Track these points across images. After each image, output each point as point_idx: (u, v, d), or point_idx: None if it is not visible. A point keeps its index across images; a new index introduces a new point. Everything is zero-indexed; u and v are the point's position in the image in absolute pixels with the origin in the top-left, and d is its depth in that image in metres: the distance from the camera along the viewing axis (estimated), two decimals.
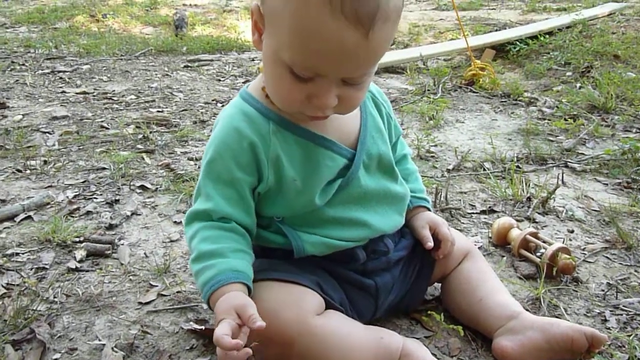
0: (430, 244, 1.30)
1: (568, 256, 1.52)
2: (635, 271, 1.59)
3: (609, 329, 1.34)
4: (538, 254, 1.60)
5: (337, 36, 0.89)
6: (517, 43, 5.08)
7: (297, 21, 0.91)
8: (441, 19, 6.71)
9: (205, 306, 1.39)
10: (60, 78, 4.02)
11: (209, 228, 1.11)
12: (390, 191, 1.26)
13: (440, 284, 1.43)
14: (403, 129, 2.85)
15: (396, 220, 1.29)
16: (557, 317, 1.37)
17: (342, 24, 0.88)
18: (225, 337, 0.92)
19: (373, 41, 0.91)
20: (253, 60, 5.05)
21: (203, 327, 1.28)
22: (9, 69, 4.22)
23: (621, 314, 1.39)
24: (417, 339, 1.26)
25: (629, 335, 1.29)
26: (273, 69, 1.02)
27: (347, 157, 1.18)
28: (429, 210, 1.41)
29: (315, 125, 1.14)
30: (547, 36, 5.12)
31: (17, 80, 3.83)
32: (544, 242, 1.62)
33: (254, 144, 1.10)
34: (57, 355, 1.21)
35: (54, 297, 1.41)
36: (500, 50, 5.12)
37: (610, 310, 1.41)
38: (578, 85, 3.88)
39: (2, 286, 1.45)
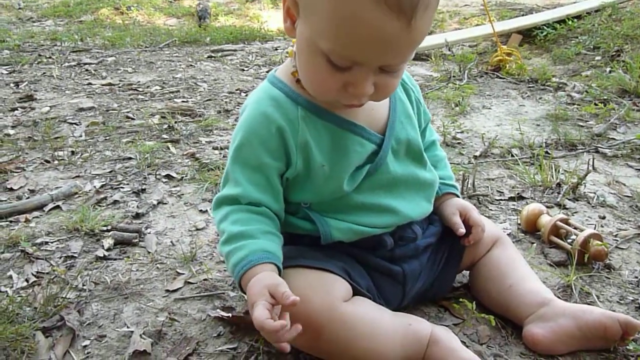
0: (463, 230, 1.28)
1: (600, 242, 1.48)
2: None
3: None
4: (569, 240, 1.57)
5: (379, 25, 0.87)
6: (545, 28, 4.99)
7: (337, 9, 0.89)
8: (466, 5, 6.62)
9: (232, 294, 1.39)
10: (86, 70, 4.05)
11: (238, 211, 1.10)
12: (419, 177, 1.24)
13: (468, 272, 1.41)
14: None
15: (424, 207, 1.27)
16: (589, 304, 1.34)
17: (384, 13, 0.86)
18: (268, 321, 0.92)
19: (414, 30, 0.89)
20: (276, 49, 5.04)
21: (230, 315, 1.28)
22: (36, 62, 4.27)
23: None
24: (446, 326, 1.24)
25: None
26: (309, 58, 1.00)
27: (376, 142, 1.16)
28: (457, 197, 1.38)
29: (344, 111, 1.13)
30: (575, 20, 5.02)
31: (44, 73, 3.88)
32: (575, 228, 1.59)
33: (282, 128, 1.09)
34: (87, 342, 1.22)
35: (83, 285, 1.42)
36: (527, 35, 5.02)
37: None
38: (608, 69, 3.79)
39: (32, 274, 1.47)
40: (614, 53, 4.16)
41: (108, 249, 1.59)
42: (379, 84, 1.00)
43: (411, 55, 1.00)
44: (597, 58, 4.22)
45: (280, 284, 0.99)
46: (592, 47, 4.45)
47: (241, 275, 1.05)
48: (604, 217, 1.79)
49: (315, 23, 0.94)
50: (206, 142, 2.52)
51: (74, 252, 1.58)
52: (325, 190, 1.13)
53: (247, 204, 1.10)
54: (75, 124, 2.76)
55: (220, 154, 2.36)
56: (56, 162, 2.25)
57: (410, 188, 1.23)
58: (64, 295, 1.35)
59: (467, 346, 1.17)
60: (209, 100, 3.26)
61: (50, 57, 4.47)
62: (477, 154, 2.33)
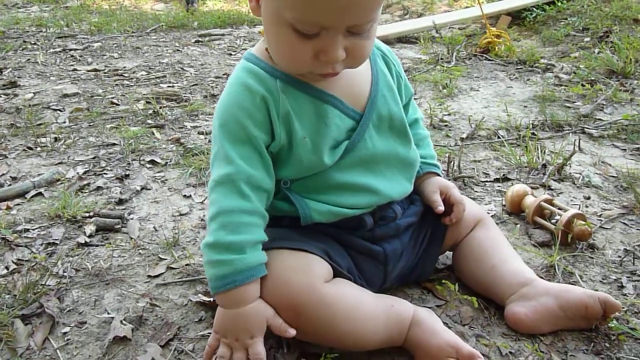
0: (441, 207, 1.28)
1: (584, 222, 1.48)
2: None
3: (625, 295, 1.31)
4: (553, 220, 1.57)
5: None
6: (534, 9, 4.97)
7: None
8: None
9: None
10: (72, 56, 4.01)
11: (231, 213, 1.05)
12: (400, 155, 1.22)
13: (452, 253, 1.41)
14: (415, 99, 2.81)
15: (405, 186, 1.25)
16: (572, 284, 1.34)
17: None
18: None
19: None
20: (261, 33, 4.99)
21: (211, 299, 1.27)
22: (20, 49, 4.21)
23: (638, 280, 1.36)
24: (429, 307, 1.23)
25: None
26: (276, 31, 0.99)
27: (355, 118, 1.15)
28: (439, 176, 1.37)
29: (324, 84, 1.11)
30: (564, 2, 5.00)
31: (28, 59, 3.83)
32: (559, 208, 1.58)
33: (266, 98, 1.07)
34: (67, 329, 1.21)
35: (64, 272, 1.41)
36: (517, 17, 5.00)
37: (627, 277, 1.38)
38: (596, 50, 3.78)
39: (13, 262, 1.45)
40: (602, 34, 4.15)
41: (90, 236, 1.58)
42: (350, 47, 0.98)
43: (378, 13, 0.98)
44: (586, 39, 4.20)
45: (275, 315, 1.04)
46: (581, 28, 4.44)
47: (220, 292, 1.04)
48: (588, 198, 1.79)
49: None
50: (191, 127, 2.49)
51: (55, 239, 1.56)
52: (306, 165, 1.11)
53: (244, 183, 1.06)
54: (59, 110, 2.73)
55: (205, 138, 2.34)
56: (39, 148, 2.23)
57: (391, 166, 1.21)
58: (44, 282, 1.34)
59: (449, 327, 1.17)
60: (195, 85, 3.23)
61: (35, 44, 4.41)
62: (464, 136, 2.32)
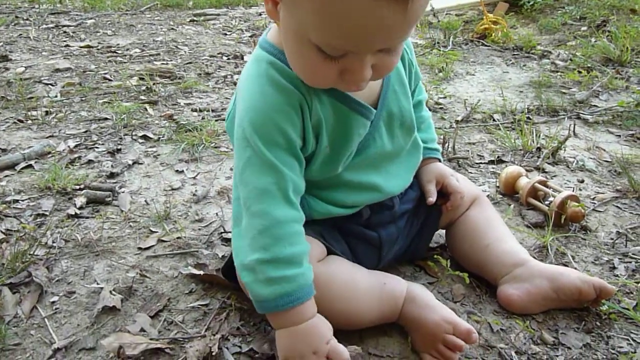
0: (432, 199, 1.26)
1: (577, 204, 1.48)
2: None
3: (617, 276, 1.31)
4: (546, 202, 1.56)
5: (374, 14, 0.77)
6: None
7: (326, 2, 0.78)
8: None
9: (205, 252, 1.37)
10: (64, 32, 3.95)
11: (282, 224, 0.97)
12: (406, 152, 1.19)
13: (444, 231, 1.40)
14: None
15: (406, 179, 1.23)
16: (564, 264, 1.34)
17: (380, 1, 0.76)
18: None
19: (411, 12, 0.79)
20: (260, 14, 4.95)
21: (202, 272, 1.26)
22: (12, 24, 4.15)
23: (630, 262, 1.36)
24: (421, 284, 1.23)
25: (638, 282, 1.27)
26: (297, 48, 0.89)
27: (370, 118, 1.08)
28: (439, 160, 1.35)
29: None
30: None
31: (20, 35, 3.77)
32: (553, 190, 1.58)
33: (302, 102, 0.98)
34: (55, 298, 1.20)
35: (53, 242, 1.39)
36: (514, 4, 4.97)
37: (619, 258, 1.38)
38: (593, 39, 3.77)
39: (1, 232, 1.43)
40: (599, 23, 4.14)
41: (80, 208, 1.56)
42: (377, 65, 0.89)
43: (408, 34, 0.87)
44: (583, 28, 4.19)
45: (332, 339, 0.98)
46: (578, 17, 4.42)
47: (283, 310, 0.96)
48: (582, 181, 1.78)
49: (301, 14, 0.84)
50: (185, 104, 2.47)
51: (45, 210, 1.54)
52: (319, 172, 1.07)
53: (292, 192, 0.99)
54: (50, 84, 2.69)
55: (199, 115, 2.31)
56: (29, 121, 2.20)
57: (395, 161, 1.18)
58: (32, 252, 1.32)
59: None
60: (190, 63, 3.19)
61: (27, 19, 4.35)
62: (459, 118, 2.31)
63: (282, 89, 0.97)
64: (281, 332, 0.98)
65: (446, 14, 4.91)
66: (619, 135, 2.19)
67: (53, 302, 1.19)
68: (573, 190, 1.67)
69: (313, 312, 0.98)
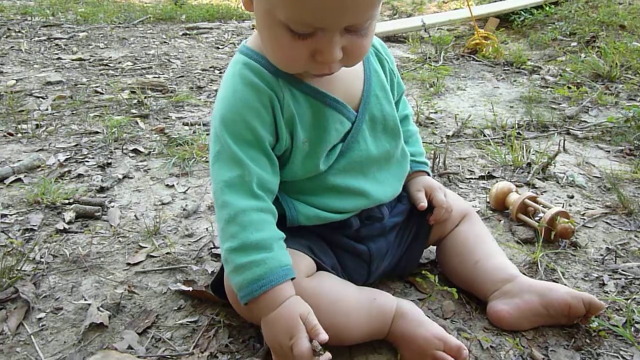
0: (424, 204, 1.26)
1: (567, 220, 1.48)
2: (635, 236, 1.56)
3: (606, 292, 1.31)
4: (536, 218, 1.57)
5: None
6: (522, 13, 5.00)
7: None
8: None
9: (194, 267, 1.36)
10: (56, 45, 3.96)
11: (249, 212, 0.99)
12: (393, 157, 1.20)
13: (435, 247, 1.40)
14: None
15: (395, 188, 1.24)
16: (554, 281, 1.34)
17: None
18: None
19: None
20: (253, 28, 4.97)
21: (191, 288, 1.25)
22: (4, 36, 4.15)
23: (619, 278, 1.36)
24: (411, 301, 1.22)
25: (627, 299, 1.27)
26: (269, 30, 0.94)
27: (351, 120, 1.11)
28: (427, 174, 1.36)
29: (320, 83, 1.06)
30: (552, 6, 5.03)
31: (12, 47, 3.77)
32: (543, 206, 1.58)
33: (272, 98, 1.02)
34: (42, 315, 1.18)
35: (41, 258, 1.38)
36: (505, 20, 5.03)
37: (609, 275, 1.38)
38: (583, 55, 3.80)
39: None
40: (589, 39, 4.19)
41: (69, 222, 1.55)
42: (348, 46, 0.93)
43: (376, 11, 0.92)
44: (573, 44, 4.23)
45: (310, 312, 0.95)
46: (568, 33, 4.47)
47: (257, 295, 0.96)
48: (572, 197, 1.79)
49: None
50: (176, 117, 2.47)
51: (34, 225, 1.53)
52: (302, 169, 1.08)
53: (256, 186, 1.01)
54: (41, 97, 2.68)
55: (190, 129, 2.31)
56: (20, 135, 2.19)
57: (383, 168, 1.19)
58: (19, 268, 1.31)
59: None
60: (182, 76, 3.20)
61: (19, 32, 4.35)
62: (450, 133, 2.32)
63: (252, 87, 1.01)
64: (263, 322, 0.98)
65: (438, 29, 4.96)
66: (609, 151, 2.20)
67: (40, 318, 1.17)
68: (563, 206, 1.67)
69: (289, 295, 0.97)
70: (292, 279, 0.99)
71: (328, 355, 0.92)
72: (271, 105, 1.02)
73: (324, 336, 0.92)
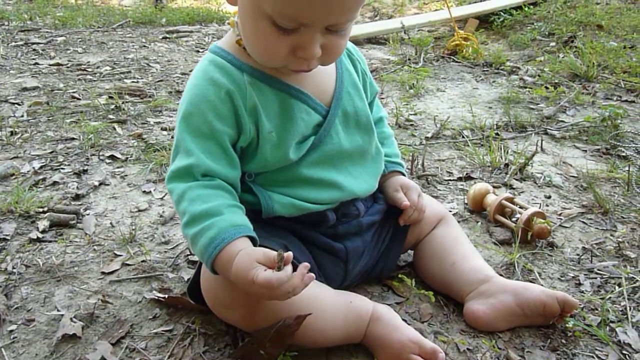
0: (406, 202, 1.26)
1: (543, 220, 1.49)
2: (611, 235, 1.57)
3: (582, 292, 1.32)
4: (514, 219, 1.57)
5: None
6: (501, 14, 5.03)
7: None
8: None
9: (170, 275, 1.34)
10: (34, 50, 3.91)
11: (195, 188, 1.03)
12: (366, 152, 1.22)
13: (412, 251, 1.40)
14: (382, 98, 2.81)
15: (370, 183, 1.25)
16: (531, 281, 1.35)
17: None
18: (275, 276, 0.89)
19: None
20: (227, 23, 4.95)
21: (166, 296, 1.24)
22: None
23: (595, 278, 1.37)
24: (388, 304, 1.22)
25: (602, 299, 1.27)
26: (254, 23, 0.97)
27: (321, 113, 1.14)
28: (403, 175, 1.37)
29: (291, 79, 1.10)
30: (531, 7, 5.08)
31: None
32: (520, 207, 1.59)
33: (232, 92, 1.05)
34: (14, 327, 1.16)
35: (13, 268, 1.35)
36: (485, 21, 5.06)
37: (585, 274, 1.39)
38: (561, 55, 3.84)
39: None
40: (567, 39, 4.23)
41: (43, 231, 1.53)
42: (326, 45, 0.98)
43: (357, 13, 0.98)
44: (551, 44, 4.27)
45: (266, 252, 0.94)
46: (547, 33, 4.51)
47: (215, 256, 0.98)
48: (549, 197, 1.80)
49: None
50: (154, 122, 2.45)
51: (6, 235, 1.50)
52: (272, 159, 1.10)
53: (202, 175, 1.04)
54: (17, 103, 2.65)
55: (168, 134, 2.29)
56: None
57: (357, 163, 1.21)
58: None
59: (408, 324, 1.16)
60: (161, 81, 3.18)
61: None
62: (429, 135, 2.33)
63: (211, 81, 1.05)
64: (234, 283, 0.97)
65: (418, 30, 4.97)
66: (585, 150, 2.22)
67: (11, 330, 1.15)
68: (540, 207, 1.68)
69: (242, 247, 0.97)
70: (251, 237, 1.01)
71: (289, 254, 0.92)
72: (230, 98, 1.05)
73: (289, 253, 0.92)
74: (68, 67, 3.43)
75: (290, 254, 0.92)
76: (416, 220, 1.30)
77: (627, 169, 1.93)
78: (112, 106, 2.61)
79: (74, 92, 2.86)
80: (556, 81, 3.14)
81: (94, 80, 3.14)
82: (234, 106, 1.06)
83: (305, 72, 1.05)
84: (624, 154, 2.16)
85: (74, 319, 1.18)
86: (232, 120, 1.06)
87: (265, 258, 0.93)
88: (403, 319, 1.14)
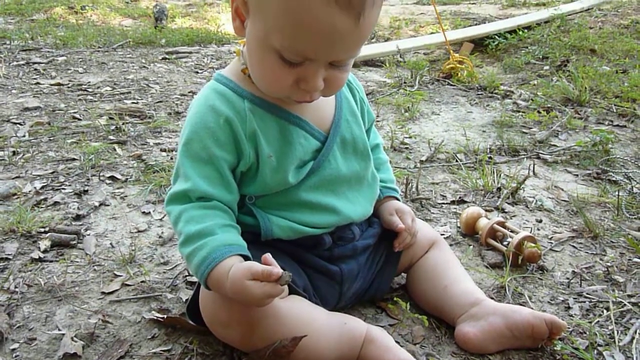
0: (401, 225, 1.31)
1: (533, 244, 1.53)
2: (601, 259, 1.61)
3: (571, 316, 1.35)
4: (505, 242, 1.61)
5: (329, 21, 0.91)
6: (496, 37, 5.11)
7: (289, 7, 0.92)
8: (422, 13, 6.73)
9: (169, 295, 1.38)
10: (35, 69, 3.96)
11: (190, 209, 1.08)
12: (362, 177, 1.27)
13: (406, 274, 1.43)
14: (378, 121, 2.86)
15: (365, 208, 1.29)
16: (521, 304, 1.38)
17: (334, 9, 0.90)
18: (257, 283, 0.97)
19: (363, 26, 0.94)
20: (232, 53, 5.01)
21: (165, 316, 1.26)
22: None
23: (584, 302, 1.41)
24: (382, 326, 1.26)
25: (590, 322, 1.31)
26: (260, 55, 1.02)
27: (320, 140, 1.19)
28: (398, 200, 1.41)
29: (290, 105, 1.15)
30: (525, 30, 5.15)
31: None
32: (511, 231, 1.63)
33: (231, 120, 1.10)
34: (15, 345, 1.19)
35: (15, 287, 1.38)
36: (479, 44, 5.14)
37: (574, 298, 1.42)
38: (555, 79, 3.90)
39: None
40: (560, 63, 4.29)
41: (44, 251, 1.56)
42: (328, 78, 1.03)
43: (359, 50, 1.03)
44: (545, 67, 4.34)
45: (252, 265, 0.99)
46: (541, 56, 4.58)
47: (207, 275, 1.03)
48: (540, 221, 1.84)
49: (266, 20, 0.97)
50: (154, 143, 2.49)
51: (9, 254, 1.53)
52: (271, 182, 1.14)
53: (198, 198, 1.09)
54: (19, 123, 2.69)
55: (167, 155, 2.33)
56: None
57: (353, 188, 1.25)
58: None
59: (401, 346, 1.19)
60: (160, 102, 3.22)
61: None
62: (423, 158, 2.37)
63: (211, 109, 1.10)
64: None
65: (414, 53, 5.05)
66: (577, 175, 2.27)
67: (13, 349, 1.18)
68: (531, 231, 1.72)
69: (232, 264, 1.02)
70: (243, 255, 1.05)
71: (288, 273, 0.99)
72: (229, 125, 1.10)
73: (278, 269, 0.98)
74: (69, 87, 3.48)
75: (279, 270, 0.98)
76: (409, 244, 1.34)
77: (617, 193, 1.98)
78: (113, 127, 2.65)
79: (74, 113, 2.90)
80: (549, 105, 3.20)
81: (95, 101, 3.19)
82: (233, 133, 1.10)
83: (308, 102, 1.09)
84: (614, 179, 2.20)
85: (74, 338, 1.20)
86: (231, 146, 1.11)
87: (250, 273, 0.98)
88: (396, 341, 1.17)
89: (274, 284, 0.98)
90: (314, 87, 1.02)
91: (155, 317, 1.27)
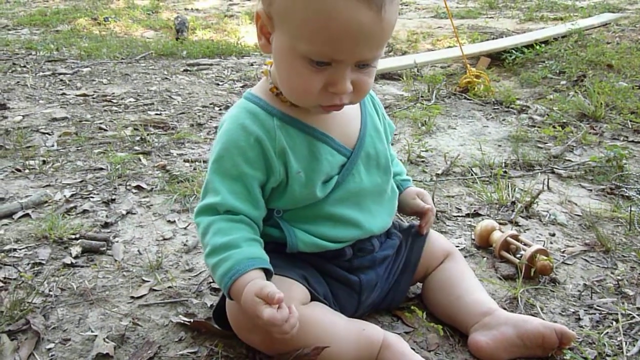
0: (427, 206, 1.44)
1: (546, 257, 1.57)
2: (612, 273, 1.65)
3: (581, 327, 1.40)
4: (518, 255, 1.66)
5: (353, 17, 0.97)
6: (513, 51, 5.14)
7: (311, 10, 0.98)
8: (439, 27, 6.78)
9: (195, 301, 1.44)
10: (61, 80, 4.07)
11: (218, 221, 1.15)
12: (384, 191, 1.34)
13: (421, 283, 1.49)
14: (395, 134, 2.91)
15: (385, 221, 1.36)
16: (533, 315, 1.42)
17: (355, 5, 0.96)
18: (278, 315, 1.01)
19: (385, 20, 1.00)
20: (252, 65, 5.11)
21: (191, 320, 1.33)
22: (10, 71, 4.28)
23: (594, 313, 1.45)
24: (398, 334, 1.31)
25: (600, 333, 1.35)
26: (289, 64, 1.08)
27: (345, 155, 1.25)
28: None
29: (318, 123, 1.21)
30: (542, 45, 5.18)
31: (18, 82, 3.89)
32: (524, 244, 1.68)
33: (260, 139, 1.15)
34: (51, 345, 1.26)
35: (49, 291, 1.46)
36: (497, 58, 5.17)
37: (585, 310, 1.47)
38: (571, 93, 3.93)
39: (0, 280, 1.50)
40: (577, 78, 4.32)
41: (76, 257, 1.64)
42: (356, 81, 1.08)
43: (382, 50, 1.09)
44: (562, 82, 4.36)
45: (264, 286, 1.04)
46: (557, 71, 4.61)
47: (230, 286, 1.09)
48: (553, 235, 1.88)
49: (292, 29, 1.03)
50: (177, 154, 2.57)
51: (42, 259, 1.62)
52: (300, 197, 1.21)
53: (226, 212, 1.15)
54: (47, 133, 2.79)
55: (190, 166, 2.41)
56: (27, 171, 2.29)
57: (376, 202, 1.32)
58: (30, 300, 1.40)
59: (416, 352, 1.24)
60: (183, 113, 3.31)
61: (24, 66, 4.47)
62: (439, 172, 2.43)
63: (243, 128, 1.16)
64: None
65: (431, 67, 5.10)
66: (591, 190, 2.30)
67: (49, 349, 1.25)
68: (543, 244, 1.76)
69: (251, 279, 1.08)
70: (265, 269, 1.12)
71: (281, 296, 1.02)
72: (259, 144, 1.16)
73: (279, 295, 1.02)
74: (94, 98, 3.58)
75: (282, 296, 1.02)
76: (431, 223, 1.46)
77: (629, 209, 2.01)
78: (137, 138, 2.74)
79: (100, 123, 3.00)
80: (564, 120, 3.24)
81: (119, 112, 3.29)
82: (263, 151, 1.16)
83: (337, 108, 1.14)
84: (627, 194, 2.24)
85: (106, 340, 1.28)
86: (260, 164, 1.17)
87: (259, 292, 1.03)
88: (412, 348, 1.23)
89: (281, 312, 1.02)
90: (342, 89, 1.06)
91: (182, 321, 1.34)
